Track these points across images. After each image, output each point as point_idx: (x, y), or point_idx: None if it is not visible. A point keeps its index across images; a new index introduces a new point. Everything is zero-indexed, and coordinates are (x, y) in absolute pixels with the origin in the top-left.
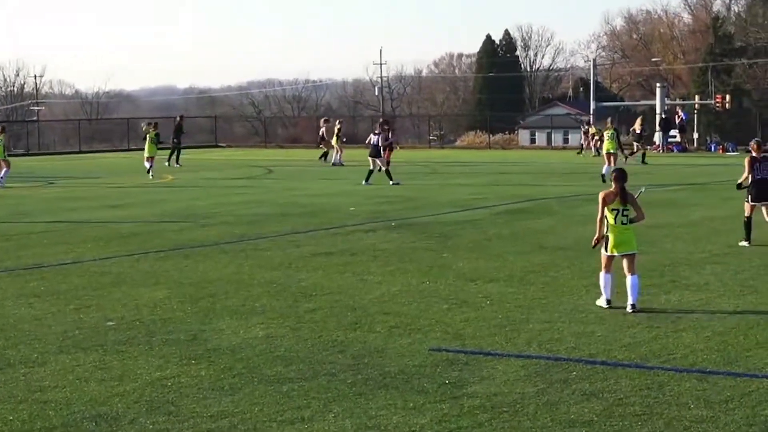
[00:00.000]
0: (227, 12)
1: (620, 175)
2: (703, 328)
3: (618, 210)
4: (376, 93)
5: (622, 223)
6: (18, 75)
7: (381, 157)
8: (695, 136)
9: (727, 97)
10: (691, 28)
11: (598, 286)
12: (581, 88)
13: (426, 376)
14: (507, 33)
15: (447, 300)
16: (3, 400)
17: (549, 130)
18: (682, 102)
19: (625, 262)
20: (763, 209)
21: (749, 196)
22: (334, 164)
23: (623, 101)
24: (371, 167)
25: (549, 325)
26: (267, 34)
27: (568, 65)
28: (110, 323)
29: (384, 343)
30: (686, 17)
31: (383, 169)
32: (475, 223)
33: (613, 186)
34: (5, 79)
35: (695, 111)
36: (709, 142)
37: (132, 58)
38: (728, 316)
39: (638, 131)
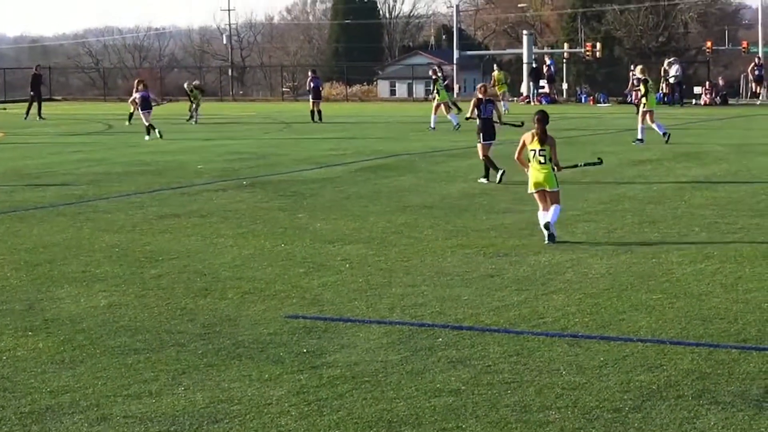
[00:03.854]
0: None
1: (542, 117)
2: (574, 291)
3: (534, 150)
4: (225, 42)
5: (539, 163)
6: None
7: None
8: (564, 86)
9: (598, 45)
10: None
11: (464, 247)
12: (444, 36)
13: (282, 345)
14: None
15: (303, 263)
16: None
17: (410, 81)
18: (550, 51)
19: (547, 197)
20: (479, 146)
21: (480, 136)
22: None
23: (488, 50)
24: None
25: (412, 288)
26: None
27: (430, 12)
28: None
29: (236, 310)
30: None
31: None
32: (332, 181)
33: (535, 127)
34: None
35: (564, 60)
36: (579, 92)
37: None
38: (601, 278)
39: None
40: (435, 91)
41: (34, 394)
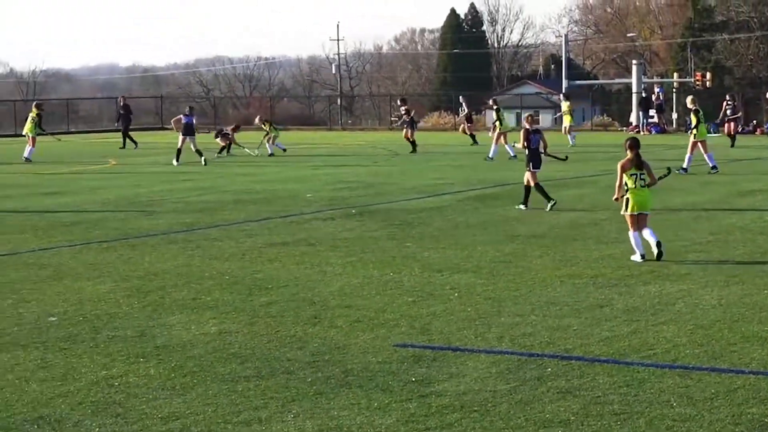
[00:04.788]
0: None
1: (635, 143)
2: (685, 322)
3: (636, 174)
4: (334, 71)
5: (641, 186)
6: None
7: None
8: (674, 116)
9: (708, 74)
10: (669, 1)
11: (573, 277)
12: (553, 66)
13: (391, 374)
14: (473, 6)
15: (412, 292)
16: None
17: (518, 110)
18: (659, 80)
19: (640, 219)
20: (528, 174)
21: (530, 165)
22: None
23: (597, 79)
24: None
25: (521, 318)
26: (215, 7)
27: (539, 41)
28: (52, 319)
29: (345, 338)
30: None
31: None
32: (441, 210)
33: (629, 154)
34: None
35: (674, 89)
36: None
37: (70, 34)
38: (712, 309)
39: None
40: (497, 120)
41: (146, 420)
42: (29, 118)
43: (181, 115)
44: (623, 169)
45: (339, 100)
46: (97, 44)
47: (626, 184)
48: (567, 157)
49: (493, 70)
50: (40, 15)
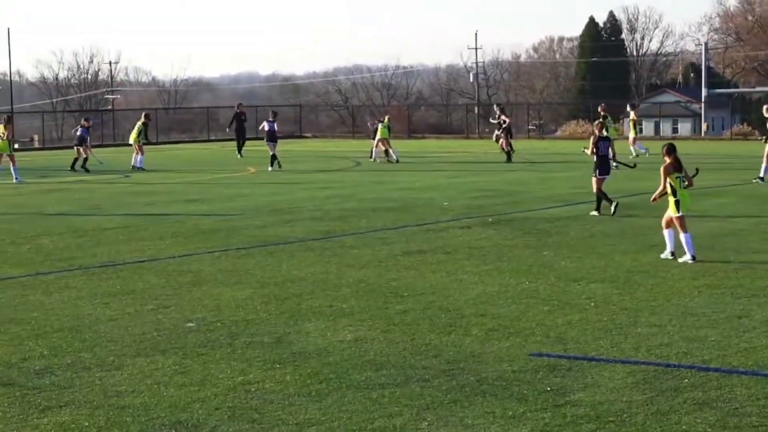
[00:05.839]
0: None
1: (672, 149)
2: None
3: (680, 177)
4: (471, 80)
5: (683, 187)
6: (92, 61)
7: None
8: None
9: None
10: None
11: (711, 287)
12: (692, 74)
13: (526, 383)
14: (611, 15)
15: (548, 301)
16: (79, 405)
17: (657, 119)
18: None
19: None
20: (594, 180)
21: (597, 171)
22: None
23: (737, 88)
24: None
25: (658, 329)
26: (354, 17)
27: (678, 49)
28: (190, 324)
29: (480, 347)
30: None
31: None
32: (577, 219)
33: (668, 159)
34: (79, 66)
35: None
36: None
37: (212, 44)
38: None
39: None
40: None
41: (282, 426)
42: (136, 127)
43: (265, 122)
44: (667, 172)
45: (476, 109)
46: (238, 53)
47: (671, 187)
48: (635, 165)
49: (632, 79)
50: (182, 24)
